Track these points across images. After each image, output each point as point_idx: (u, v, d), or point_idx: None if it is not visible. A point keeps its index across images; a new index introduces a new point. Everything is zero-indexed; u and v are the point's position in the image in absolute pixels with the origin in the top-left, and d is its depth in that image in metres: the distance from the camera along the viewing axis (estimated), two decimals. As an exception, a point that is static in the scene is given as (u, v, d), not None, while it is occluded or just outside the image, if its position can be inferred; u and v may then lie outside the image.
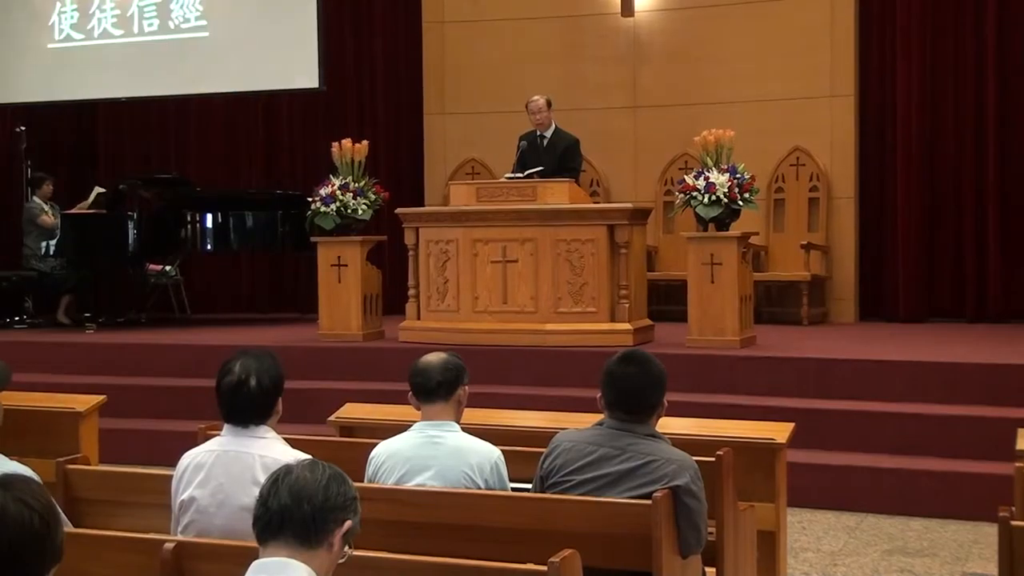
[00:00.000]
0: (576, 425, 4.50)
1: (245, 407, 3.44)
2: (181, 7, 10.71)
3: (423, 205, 10.01)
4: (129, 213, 10.00)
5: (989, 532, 3.98)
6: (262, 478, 2.93)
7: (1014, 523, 3.41)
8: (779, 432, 4.87)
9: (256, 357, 3.51)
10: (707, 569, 3.89)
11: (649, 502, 3.49)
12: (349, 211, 8.50)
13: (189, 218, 9.98)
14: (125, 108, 11.73)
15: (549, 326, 7.79)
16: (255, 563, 2.46)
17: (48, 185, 10.58)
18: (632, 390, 3.65)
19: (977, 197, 9.53)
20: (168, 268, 10.82)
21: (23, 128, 10.89)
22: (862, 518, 6.39)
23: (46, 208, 10.42)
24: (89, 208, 10.15)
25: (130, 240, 9.85)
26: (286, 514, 2.44)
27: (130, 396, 7.73)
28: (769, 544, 4.74)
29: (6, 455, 3.56)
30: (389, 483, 3.83)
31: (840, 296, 9.91)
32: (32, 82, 11.17)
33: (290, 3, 10.37)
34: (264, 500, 2.48)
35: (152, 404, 8.01)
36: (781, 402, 6.86)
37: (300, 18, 10.27)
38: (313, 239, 8.72)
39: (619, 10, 10.27)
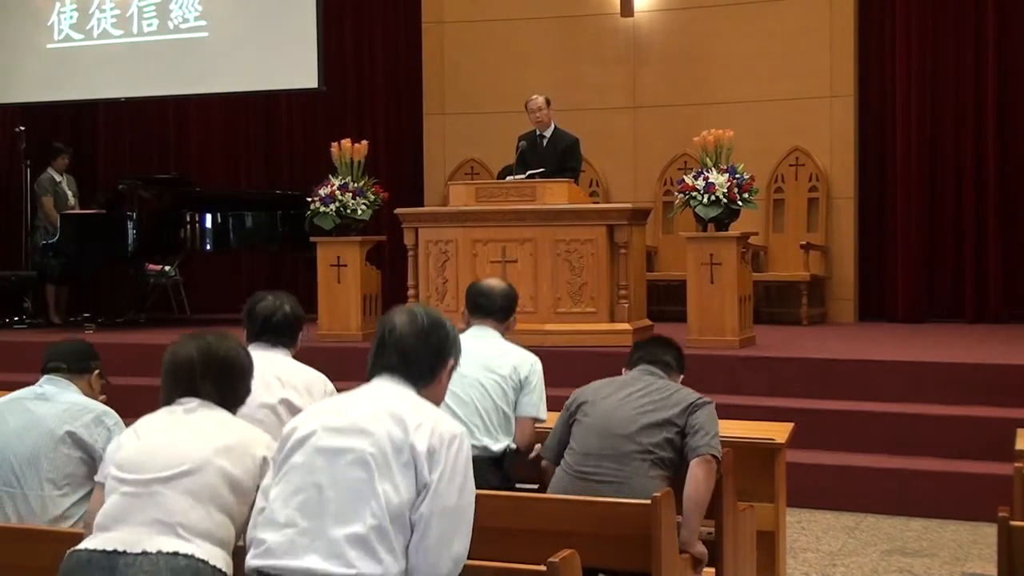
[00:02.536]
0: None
1: (280, 327, 3.92)
2: (180, 7, 10.71)
3: (422, 205, 10.02)
4: (128, 213, 10.01)
5: (988, 532, 3.98)
6: (284, 378, 3.67)
7: (1013, 523, 3.41)
8: (778, 432, 4.88)
9: (285, 293, 4.07)
10: (706, 569, 3.90)
11: (648, 502, 3.50)
12: (348, 211, 8.50)
13: (188, 218, 9.98)
14: (125, 108, 11.74)
15: (548, 326, 7.78)
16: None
17: (64, 158, 10.65)
18: (654, 348, 4.14)
19: (977, 197, 9.54)
20: (167, 268, 10.82)
21: (22, 128, 10.89)
22: (861, 518, 6.39)
23: (58, 179, 10.48)
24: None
25: (129, 240, 9.85)
26: (396, 371, 2.80)
27: (129, 396, 7.70)
28: (769, 544, 4.75)
29: None
30: None
31: (839, 296, 9.91)
32: (31, 82, 11.16)
33: (289, 3, 10.36)
34: (377, 355, 2.83)
35: (151, 404, 7.96)
36: (780, 402, 6.86)
37: (299, 18, 10.27)
38: (312, 239, 8.72)
39: (618, 10, 10.28)
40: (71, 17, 11.04)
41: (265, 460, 2.89)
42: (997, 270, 9.43)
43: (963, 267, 9.62)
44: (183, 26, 10.73)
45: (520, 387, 4.24)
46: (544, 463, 4.08)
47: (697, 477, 3.72)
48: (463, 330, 3.93)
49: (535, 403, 4.27)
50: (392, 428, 2.64)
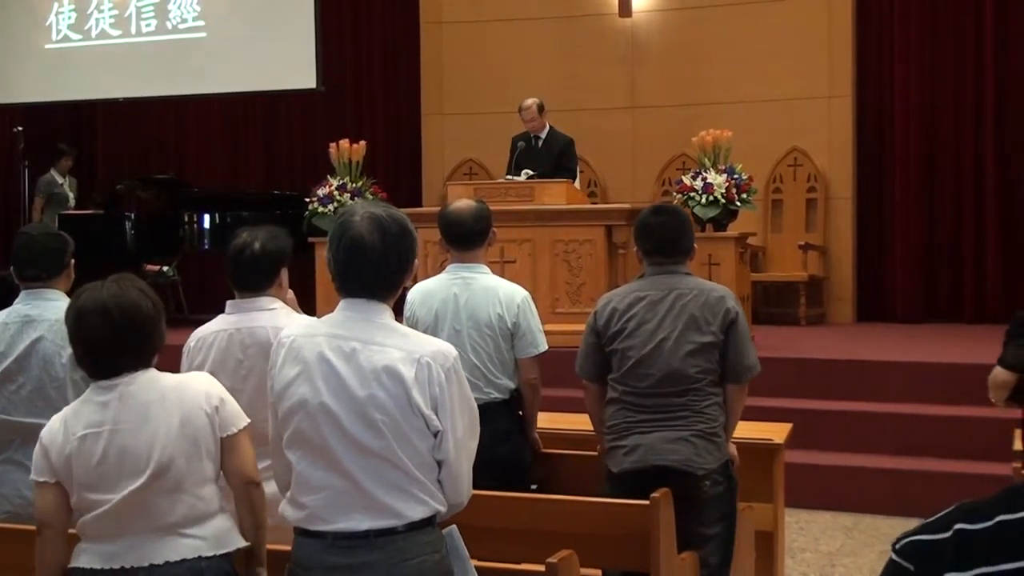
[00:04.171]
0: (575, 425, 4.54)
1: (248, 269, 3.55)
2: (179, 7, 10.73)
3: (421, 206, 10.00)
4: (127, 214, 10.02)
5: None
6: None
7: (1012, 523, 3.41)
8: (777, 433, 4.89)
9: (266, 228, 3.65)
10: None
11: (647, 502, 3.50)
12: (347, 211, 8.50)
13: (187, 218, 10.00)
14: (123, 108, 11.75)
15: (547, 326, 7.68)
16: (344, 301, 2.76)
17: (68, 160, 10.75)
18: (668, 238, 3.98)
19: (976, 198, 9.53)
20: (166, 268, 10.83)
21: (20, 128, 10.90)
22: (859, 519, 6.41)
23: (60, 180, 10.51)
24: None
25: (128, 240, 9.86)
26: (368, 290, 2.72)
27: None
28: (767, 544, 4.76)
29: None
30: (423, 324, 4.10)
31: (838, 296, 9.92)
32: (29, 82, 11.18)
33: (287, 3, 10.38)
34: (345, 273, 2.73)
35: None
36: (779, 403, 6.86)
37: (298, 18, 10.29)
38: (311, 240, 8.72)
39: (616, 10, 10.28)
40: (69, 17, 11.06)
41: (216, 409, 2.80)
42: (996, 271, 9.43)
43: (962, 268, 9.62)
44: (181, 26, 10.75)
45: (511, 333, 4.20)
46: (585, 382, 4.05)
47: (739, 401, 3.95)
48: (443, 265, 3.95)
49: (530, 341, 4.24)
50: (393, 388, 2.63)
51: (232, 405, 2.87)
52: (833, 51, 9.84)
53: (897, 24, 9.74)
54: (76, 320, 2.79)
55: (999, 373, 4.13)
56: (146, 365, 2.84)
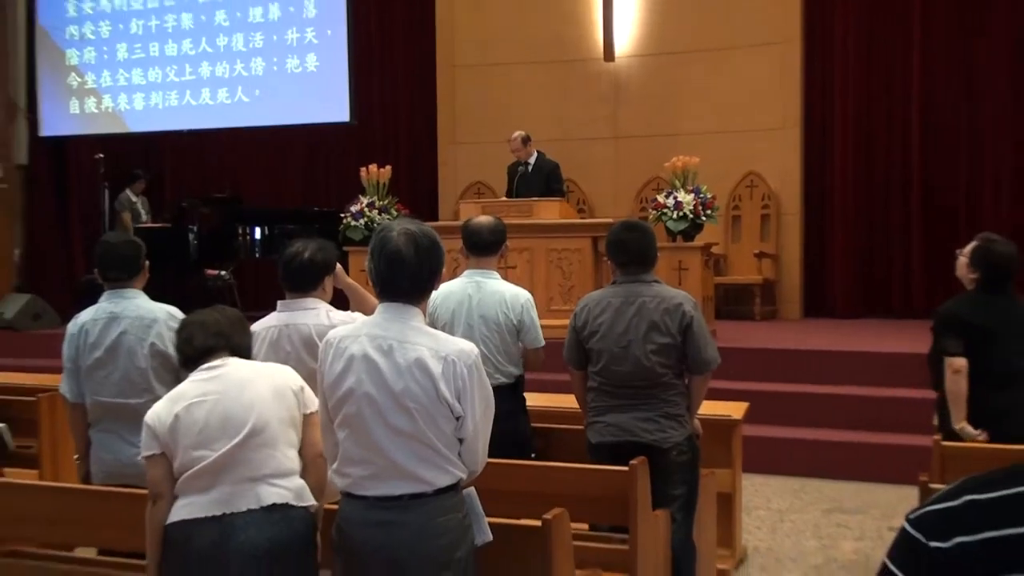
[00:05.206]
0: (564, 404, 4.55)
1: (297, 274, 3.53)
2: (236, 58, 10.73)
3: (437, 220, 10.02)
4: (190, 227, 10.03)
5: (911, 494, 4.00)
6: (318, 343, 3.08)
7: (931, 486, 3.44)
8: (735, 410, 4.91)
9: (317, 240, 3.63)
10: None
11: (627, 467, 3.52)
12: (375, 225, 8.52)
13: (241, 231, 10.00)
14: (187, 138, 11.74)
15: (543, 321, 7.73)
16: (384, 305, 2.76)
17: (141, 183, 10.75)
18: (637, 250, 3.91)
19: (903, 214, 9.55)
20: (223, 273, 10.82)
21: (101, 156, 10.91)
22: (805, 482, 6.41)
23: (135, 200, 10.52)
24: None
25: (191, 249, 9.87)
26: (405, 295, 2.72)
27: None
28: (727, 504, 4.78)
29: None
30: (442, 320, 4.16)
31: (787, 297, 9.91)
32: (107, 118, 11.19)
33: (326, 49, 10.39)
34: (386, 281, 2.73)
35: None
36: (737, 385, 6.86)
37: (334, 62, 10.30)
38: (345, 248, 8.73)
39: (602, 56, 10.29)
40: (142, 68, 11.06)
41: (301, 388, 2.90)
42: (920, 274, 9.43)
43: (891, 272, 9.63)
44: (240, 71, 10.75)
45: (517, 329, 4.21)
46: (571, 368, 4.06)
47: (701, 388, 3.93)
48: (457, 271, 3.96)
49: (534, 336, 4.25)
50: (424, 381, 2.64)
51: (309, 390, 2.91)
52: (783, 91, 9.84)
53: (837, 66, 9.77)
54: (188, 327, 3.04)
55: (953, 361, 4.11)
56: (234, 354, 2.96)
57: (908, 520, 0.99)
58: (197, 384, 2.87)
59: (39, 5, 11.34)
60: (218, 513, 2.73)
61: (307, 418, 2.90)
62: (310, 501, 2.84)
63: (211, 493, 2.75)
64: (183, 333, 3.02)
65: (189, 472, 2.77)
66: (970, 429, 4.09)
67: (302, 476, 2.88)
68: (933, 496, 1.02)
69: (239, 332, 3.02)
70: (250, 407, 2.80)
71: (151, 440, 2.81)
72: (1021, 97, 9.20)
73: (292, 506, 2.78)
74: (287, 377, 2.93)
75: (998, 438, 3.95)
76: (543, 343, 4.32)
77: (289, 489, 2.79)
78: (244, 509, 2.74)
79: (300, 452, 2.89)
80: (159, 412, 2.83)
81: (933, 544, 0.94)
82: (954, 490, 0.98)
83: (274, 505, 2.75)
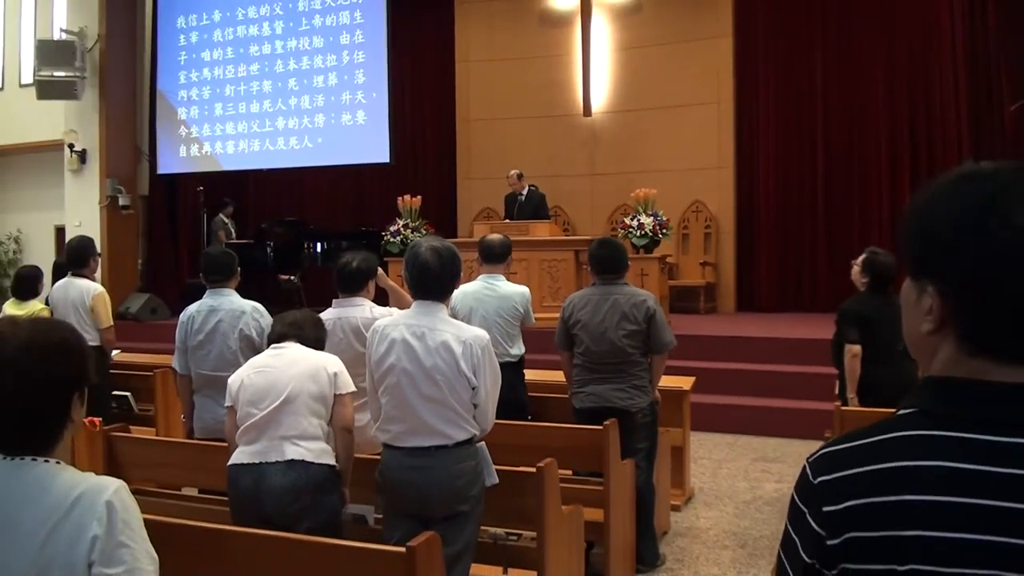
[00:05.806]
0: (554, 378, 4.55)
1: (347, 279, 3.54)
2: (303, 114, 10.73)
3: (456, 237, 10.03)
4: (268, 243, 10.03)
5: (817, 446, 3.98)
6: (365, 332, 3.16)
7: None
8: (685, 382, 4.92)
9: (363, 253, 3.67)
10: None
11: (602, 426, 3.51)
12: (409, 241, 8.51)
13: (306, 246, 9.99)
14: (267, 174, 11.74)
15: (537, 315, 7.69)
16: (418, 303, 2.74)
17: (230, 208, 10.70)
18: (610, 261, 3.94)
19: (812, 231, 9.53)
20: (293, 278, 10.82)
21: (201, 188, 10.92)
22: (738, 438, 6.43)
23: (227, 221, 10.54)
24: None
25: (268, 260, 9.87)
26: (433, 295, 2.73)
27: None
28: (679, 455, 4.78)
29: None
30: (462, 314, 4.12)
31: (724, 295, 9.89)
32: (205, 159, 11.20)
33: (371, 108, 10.38)
34: (418, 286, 2.74)
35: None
36: (687, 363, 6.85)
37: (378, 117, 10.28)
38: (385, 259, 8.74)
39: (581, 112, 10.29)
40: (235, 122, 11.06)
41: (335, 374, 2.85)
42: (825, 278, 9.40)
43: (802, 276, 9.62)
44: (307, 123, 10.75)
45: (519, 316, 4.22)
46: (560, 350, 4.05)
47: (660, 365, 3.91)
48: (474, 275, 4.05)
49: (531, 320, 4.29)
50: (448, 359, 2.66)
51: (345, 376, 2.89)
52: (720, 138, 9.83)
53: (760, 121, 9.76)
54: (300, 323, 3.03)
55: (851, 347, 4.11)
56: (300, 342, 2.95)
57: (807, 461, 0.97)
58: (264, 358, 2.90)
59: (159, 74, 11.36)
60: (256, 462, 2.74)
61: (338, 398, 2.85)
62: (328, 461, 2.80)
63: (254, 445, 2.77)
64: (272, 323, 3.06)
65: (242, 427, 2.79)
66: (857, 400, 4.10)
67: (331, 444, 2.85)
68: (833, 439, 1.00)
69: (310, 327, 3.02)
70: (290, 381, 2.80)
71: (228, 397, 2.87)
72: (895, 138, 9.20)
73: (309, 463, 2.74)
74: (328, 363, 2.88)
75: (879, 403, 3.95)
76: (533, 322, 4.34)
77: (309, 450, 2.76)
78: (273, 461, 2.74)
79: (330, 424, 2.86)
80: (236, 377, 2.88)
81: (819, 479, 0.94)
82: (838, 439, 0.99)
83: (293, 460, 2.73)
